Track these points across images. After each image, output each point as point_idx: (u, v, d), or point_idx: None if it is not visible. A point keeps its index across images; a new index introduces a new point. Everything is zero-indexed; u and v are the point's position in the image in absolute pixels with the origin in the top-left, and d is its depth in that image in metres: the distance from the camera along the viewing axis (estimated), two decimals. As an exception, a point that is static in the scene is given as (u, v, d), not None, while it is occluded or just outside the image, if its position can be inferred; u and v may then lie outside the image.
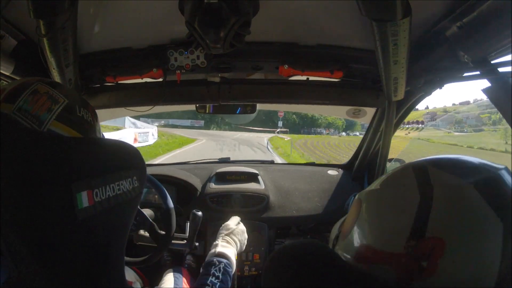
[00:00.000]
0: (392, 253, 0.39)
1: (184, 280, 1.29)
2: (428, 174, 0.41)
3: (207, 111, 1.47)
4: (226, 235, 1.05)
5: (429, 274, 0.36)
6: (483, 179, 0.38)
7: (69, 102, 0.58)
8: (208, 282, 0.81)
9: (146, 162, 0.71)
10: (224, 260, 0.90)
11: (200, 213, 1.18)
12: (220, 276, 0.84)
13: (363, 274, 0.44)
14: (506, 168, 0.41)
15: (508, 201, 0.37)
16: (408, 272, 0.37)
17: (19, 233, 0.46)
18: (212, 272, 0.85)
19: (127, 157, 0.59)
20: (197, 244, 1.24)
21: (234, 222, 1.13)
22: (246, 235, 1.12)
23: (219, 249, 0.95)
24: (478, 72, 0.89)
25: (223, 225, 1.12)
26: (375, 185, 0.49)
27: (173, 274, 1.30)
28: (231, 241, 1.03)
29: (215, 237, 1.49)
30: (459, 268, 0.36)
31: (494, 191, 0.38)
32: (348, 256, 0.46)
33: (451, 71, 0.96)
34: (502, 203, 0.37)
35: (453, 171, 0.41)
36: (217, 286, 0.81)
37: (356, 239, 0.45)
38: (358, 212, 0.47)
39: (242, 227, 1.12)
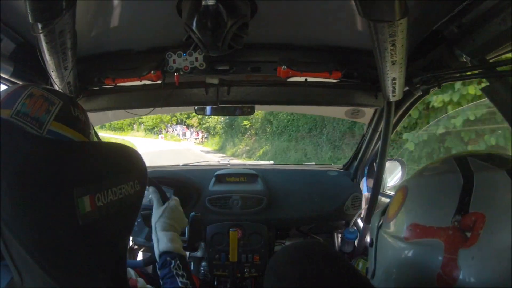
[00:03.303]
0: (441, 227, 0.46)
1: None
2: (468, 163, 0.50)
3: (206, 113, 1.47)
4: (160, 221, 0.90)
5: (472, 242, 0.43)
6: None
7: (64, 103, 0.59)
8: (180, 284, 0.75)
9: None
10: (174, 255, 0.81)
11: (199, 215, 1.18)
12: (185, 274, 0.77)
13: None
14: None
15: None
16: (454, 242, 0.44)
17: (20, 237, 0.46)
18: (174, 273, 0.77)
19: (128, 160, 0.59)
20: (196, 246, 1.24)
21: (160, 203, 0.95)
22: (178, 211, 0.95)
23: (161, 246, 0.83)
24: (476, 72, 0.89)
25: (153, 211, 0.95)
26: (416, 173, 0.57)
27: None
28: (168, 226, 0.89)
29: (214, 239, 1.51)
30: (496, 238, 0.43)
31: None
32: (397, 235, 0.52)
33: (450, 71, 0.96)
34: None
35: (489, 161, 0.49)
36: (189, 285, 0.75)
37: (404, 219, 0.51)
38: (404, 197, 0.53)
39: (172, 202, 0.95)
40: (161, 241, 0.84)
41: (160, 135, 21.59)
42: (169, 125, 23.37)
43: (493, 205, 0.45)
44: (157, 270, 0.79)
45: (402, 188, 0.56)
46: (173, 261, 0.79)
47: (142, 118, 20.84)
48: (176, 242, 0.85)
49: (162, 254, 0.82)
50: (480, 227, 0.43)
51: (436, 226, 0.46)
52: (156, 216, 0.91)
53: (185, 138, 20.68)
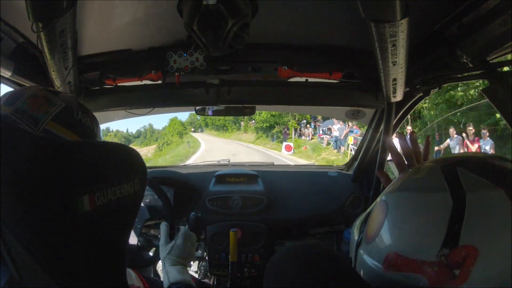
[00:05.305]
0: (424, 262, 0.39)
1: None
2: (458, 176, 0.41)
3: (206, 114, 1.47)
4: (167, 258, 0.95)
5: (461, 282, 0.36)
6: None
7: (67, 106, 0.60)
8: None
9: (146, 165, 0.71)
10: (181, 285, 0.86)
11: (199, 215, 1.18)
12: None
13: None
14: None
15: None
16: (440, 281, 0.37)
17: (19, 236, 0.46)
18: None
19: (128, 160, 0.59)
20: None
21: (167, 240, 0.99)
22: (190, 243, 1.00)
23: (171, 278, 0.89)
24: (477, 72, 0.89)
25: (160, 245, 1.00)
26: (398, 186, 0.48)
27: None
28: (176, 263, 0.94)
29: (215, 239, 1.51)
30: (489, 277, 0.36)
31: None
32: (375, 263, 0.45)
33: (450, 71, 0.96)
34: None
35: (483, 174, 0.40)
36: None
37: (384, 245, 0.44)
38: (384, 216, 0.46)
39: (179, 240, 0.98)
40: (170, 273, 0.90)
41: (284, 143, 11.71)
42: (303, 122, 12.02)
43: (487, 236, 0.37)
44: None
45: (382, 204, 0.48)
46: None
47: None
48: (184, 274, 0.91)
49: (171, 285, 0.87)
50: (471, 263, 0.36)
51: (419, 259, 0.39)
52: (164, 252, 0.97)
53: (347, 152, 9.26)
